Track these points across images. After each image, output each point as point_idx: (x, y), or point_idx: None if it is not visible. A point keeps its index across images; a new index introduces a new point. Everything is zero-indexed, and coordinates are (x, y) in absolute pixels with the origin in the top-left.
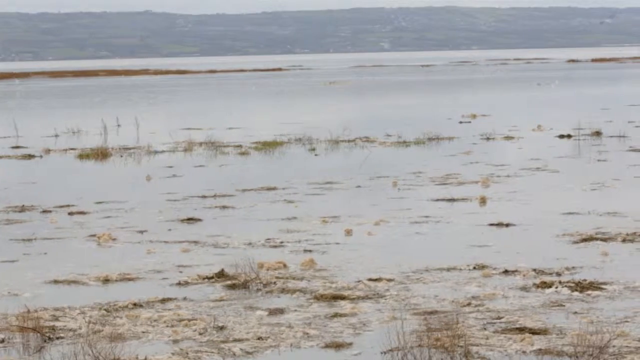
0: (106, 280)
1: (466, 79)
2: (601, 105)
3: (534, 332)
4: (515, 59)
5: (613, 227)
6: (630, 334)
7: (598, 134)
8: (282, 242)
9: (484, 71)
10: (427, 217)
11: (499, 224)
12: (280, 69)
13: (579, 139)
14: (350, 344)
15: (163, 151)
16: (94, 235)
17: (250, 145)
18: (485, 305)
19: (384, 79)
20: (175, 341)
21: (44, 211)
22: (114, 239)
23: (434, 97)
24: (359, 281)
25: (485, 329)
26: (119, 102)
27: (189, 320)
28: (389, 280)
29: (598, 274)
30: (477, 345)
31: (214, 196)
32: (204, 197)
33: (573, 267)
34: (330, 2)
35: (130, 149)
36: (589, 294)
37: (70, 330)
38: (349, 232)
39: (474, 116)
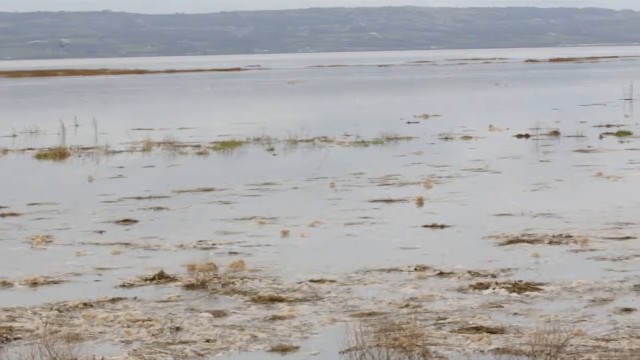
0: (34, 283)
1: (423, 78)
2: (552, 105)
3: (491, 331)
4: (473, 59)
5: (542, 229)
6: (587, 333)
7: (556, 133)
8: (214, 244)
9: (442, 71)
10: (364, 218)
11: (433, 226)
12: (239, 69)
13: (537, 139)
14: (297, 347)
15: (121, 151)
16: (28, 238)
17: (208, 145)
18: (423, 307)
19: (342, 78)
20: (129, 342)
21: None
22: (49, 242)
23: (390, 97)
24: (301, 282)
25: (440, 328)
26: (77, 102)
27: (144, 321)
28: (332, 281)
29: (533, 275)
30: (436, 345)
31: (149, 197)
32: (139, 198)
33: (508, 269)
34: (289, 2)
35: (88, 149)
36: (527, 295)
37: (28, 331)
38: (285, 234)
39: (426, 116)
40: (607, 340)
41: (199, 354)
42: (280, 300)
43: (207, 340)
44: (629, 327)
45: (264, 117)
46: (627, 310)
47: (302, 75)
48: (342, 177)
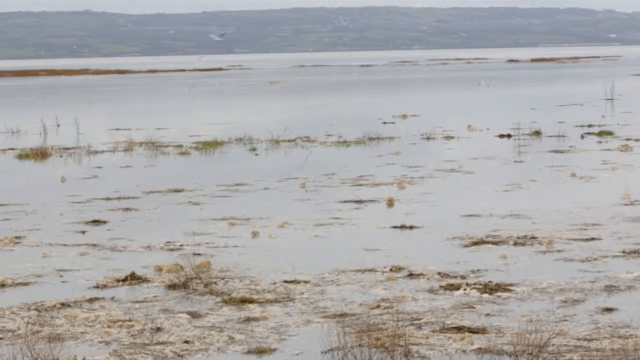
0: (2, 285)
1: (404, 79)
2: (533, 105)
3: (473, 331)
4: (455, 59)
5: (508, 230)
6: (569, 332)
7: (538, 133)
8: (182, 245)
9: (424, 71)
10: (334, 219)
11: (402, 227)
12: (220, 69)
13: (518, 139)
14: (275, 349)
15: (103, 151)
16: None
17: (191, 145)
18: (395, 308)
19: (323, 78)
20: (108, 342)
21: None
22: (17, 242)
23: (372, 97)
24: (275, 283)
25: (421, 328)
26: (59, 102)
27: (124, 321)
28: (306, 282)
29: (503, 276)
30: (417, 345)
31: (118, 198)
32: (108, 199)
33: (478, 270)
34: (270, 2)
35: (70, 149)
36: (499, 296)
37: (9, 331)
38: (255, 235)
39: (405, 116)
40: (589, 340)
41: (179, 355)
42: (251, 301)
43: (186, 342)
44: (610, 326)
45: (246, 117)
46: (608, 310)
47: (284, 75)
48: (314, 178)
